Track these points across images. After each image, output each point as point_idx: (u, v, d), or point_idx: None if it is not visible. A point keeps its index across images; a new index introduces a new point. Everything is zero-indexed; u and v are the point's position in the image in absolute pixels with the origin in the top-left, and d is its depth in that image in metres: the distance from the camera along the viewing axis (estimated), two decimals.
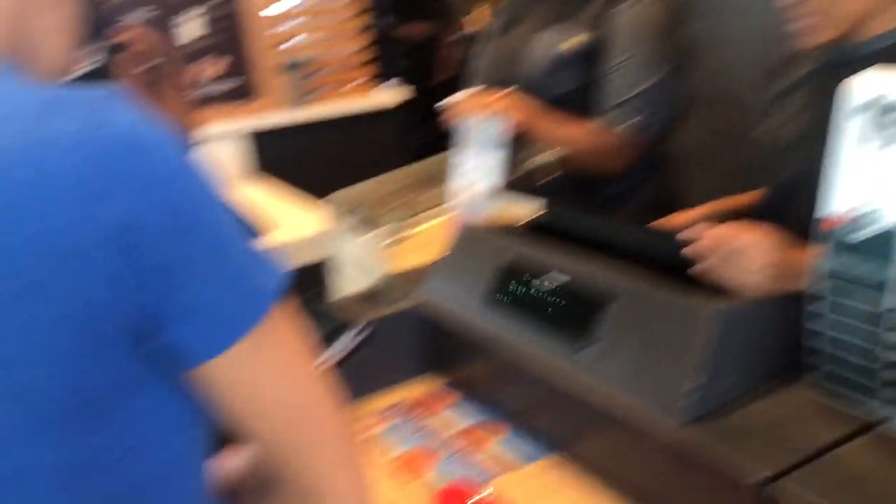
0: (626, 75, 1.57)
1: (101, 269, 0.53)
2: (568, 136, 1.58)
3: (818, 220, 0.86)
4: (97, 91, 0.57)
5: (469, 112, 1.57)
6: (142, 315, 0.55)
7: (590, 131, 1.59)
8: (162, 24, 2.94)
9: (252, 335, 0.59)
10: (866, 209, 0.80)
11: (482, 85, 1.75)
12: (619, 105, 1.57)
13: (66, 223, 0.52)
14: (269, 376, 0.61)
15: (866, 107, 0.79)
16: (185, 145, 0.59)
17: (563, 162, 1.55)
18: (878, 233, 0.79)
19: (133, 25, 1.60)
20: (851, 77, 0.81)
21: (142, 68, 1.70)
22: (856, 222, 0.81)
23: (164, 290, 0.55)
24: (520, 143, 1.58)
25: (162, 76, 1.83)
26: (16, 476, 0.55)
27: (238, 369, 0.60)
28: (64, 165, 0.52)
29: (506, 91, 1.56)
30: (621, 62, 1.57)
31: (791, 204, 1.25)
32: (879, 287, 0.80)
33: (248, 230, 0.65)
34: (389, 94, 3.60)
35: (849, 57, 1.17)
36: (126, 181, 0.53)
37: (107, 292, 0.53)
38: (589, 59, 1.59)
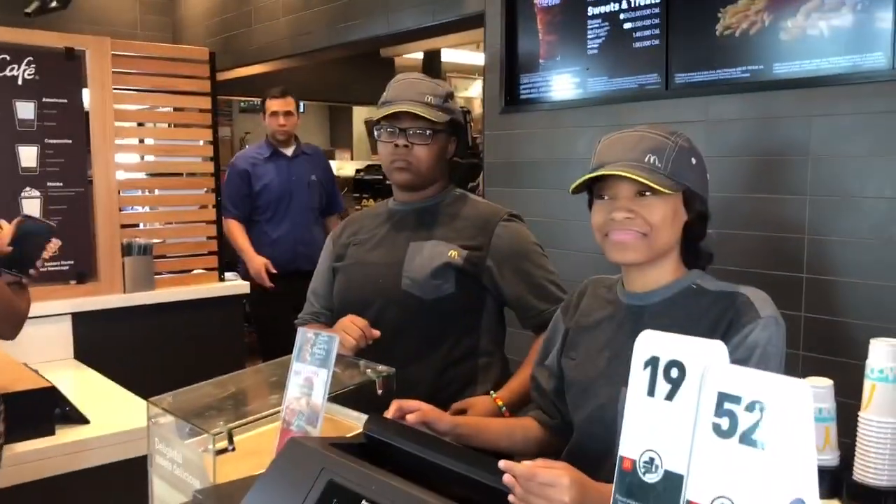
0: (545, 286, 1.84)
1: None
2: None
3: (619, 459, 0.93)
4: None
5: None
6: None
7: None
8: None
9: None
10: (653, 454, 0.88)
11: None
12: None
13: None
14: None
15: (650, 362, 0.89)
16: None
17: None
18: (661, 478, 0.87)
19: None
20: (641, 329, 0.91)
21: None
22: (645, 466, 0.89)
23: None
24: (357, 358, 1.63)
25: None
26: None
27: None
28: None
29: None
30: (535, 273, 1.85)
31: (596, 439, 1.34)
32: None
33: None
34: (229, 286, 3.60)
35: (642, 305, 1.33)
36: None
37: None
38: (468, 266, 1.81)
